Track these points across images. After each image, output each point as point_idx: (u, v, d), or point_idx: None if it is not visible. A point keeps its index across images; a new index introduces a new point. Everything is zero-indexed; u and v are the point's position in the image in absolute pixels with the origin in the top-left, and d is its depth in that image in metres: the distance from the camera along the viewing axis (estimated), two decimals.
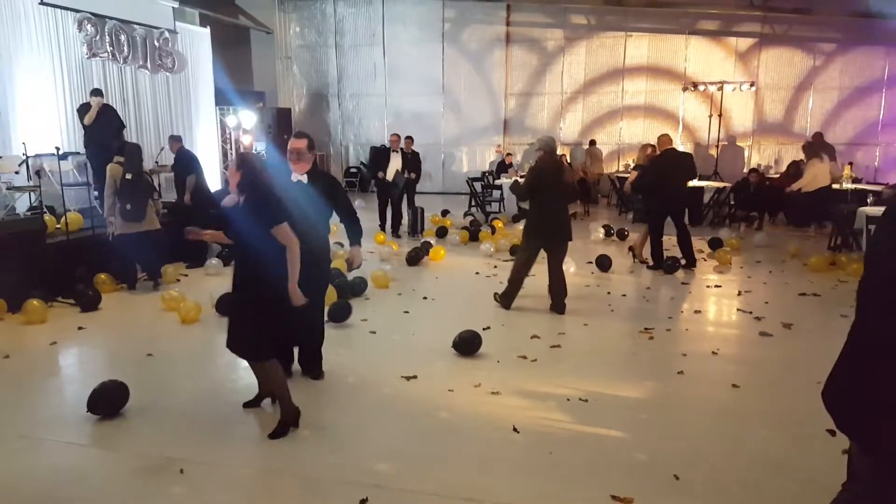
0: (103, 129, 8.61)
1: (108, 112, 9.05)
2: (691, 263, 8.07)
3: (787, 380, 4.54)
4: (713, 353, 5.12)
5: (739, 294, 6.98)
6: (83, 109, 8.94)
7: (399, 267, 8.14)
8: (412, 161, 10.59)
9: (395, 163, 10.42)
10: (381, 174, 10.27)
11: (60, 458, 3.49)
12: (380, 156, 10.48)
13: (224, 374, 4.75)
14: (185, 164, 8.95)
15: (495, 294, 6.46)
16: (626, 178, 12.63)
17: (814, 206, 10.71)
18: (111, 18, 10.18)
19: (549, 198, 6.02)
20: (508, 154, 15.26)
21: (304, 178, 4.23)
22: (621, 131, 16.05)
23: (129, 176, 6.86)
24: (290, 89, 18.22)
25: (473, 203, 13.49)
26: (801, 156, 12.58)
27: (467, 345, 4.96)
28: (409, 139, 10.67)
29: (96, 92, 9.01)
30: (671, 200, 8.06)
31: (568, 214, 6.32)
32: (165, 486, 3.19)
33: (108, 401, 3.94)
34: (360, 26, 17.42)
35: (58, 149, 7.66)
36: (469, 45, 16.80)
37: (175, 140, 9.11)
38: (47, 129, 9.14)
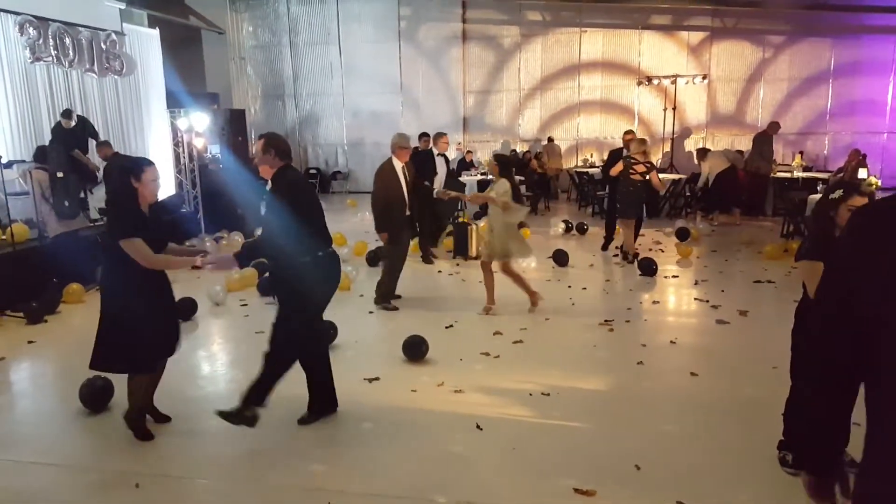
0: (75, 143, 8.48)
1: (76, 130, 9.08)
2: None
3: (744, 366, 4.63)
4: (671, 342, 5.20)
5: (696, 283, 7.11)
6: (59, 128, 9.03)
7: (360, 268, 8.05)
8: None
9: (443, 170, 8.92)
10: (443, 191, 7.49)
11: (9, 479, 3.35)
12: (424, 164, 8.40)
13: (175, 383, 4.61)
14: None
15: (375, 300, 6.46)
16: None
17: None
18: (54, 21, 9.79)
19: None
20: (469, 152, 15.23)
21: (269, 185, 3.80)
22: (579, 126, 16.19)
23: (60, 174, 6.72)
24: (245, 90, 17.88)
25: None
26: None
27: (413, 349, 4.84)
28: (441, 136, 9.05)
29: (67, 114, 9.08)
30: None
31: None
32: (122, 501, 3.09)
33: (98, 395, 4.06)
34: (315, 25, 17.19)
35: (0, 157, 7.36)
36: (426, 42, 16.73)
37: (105, 146, 8.58)
38: None
